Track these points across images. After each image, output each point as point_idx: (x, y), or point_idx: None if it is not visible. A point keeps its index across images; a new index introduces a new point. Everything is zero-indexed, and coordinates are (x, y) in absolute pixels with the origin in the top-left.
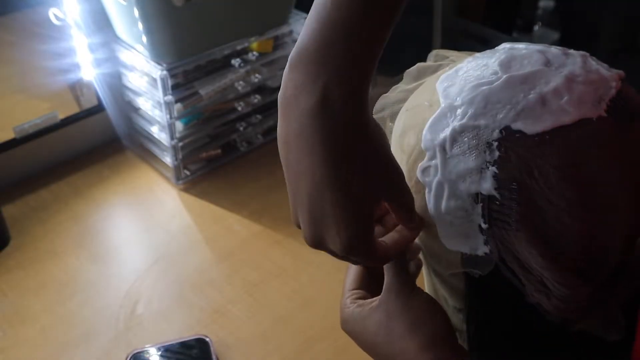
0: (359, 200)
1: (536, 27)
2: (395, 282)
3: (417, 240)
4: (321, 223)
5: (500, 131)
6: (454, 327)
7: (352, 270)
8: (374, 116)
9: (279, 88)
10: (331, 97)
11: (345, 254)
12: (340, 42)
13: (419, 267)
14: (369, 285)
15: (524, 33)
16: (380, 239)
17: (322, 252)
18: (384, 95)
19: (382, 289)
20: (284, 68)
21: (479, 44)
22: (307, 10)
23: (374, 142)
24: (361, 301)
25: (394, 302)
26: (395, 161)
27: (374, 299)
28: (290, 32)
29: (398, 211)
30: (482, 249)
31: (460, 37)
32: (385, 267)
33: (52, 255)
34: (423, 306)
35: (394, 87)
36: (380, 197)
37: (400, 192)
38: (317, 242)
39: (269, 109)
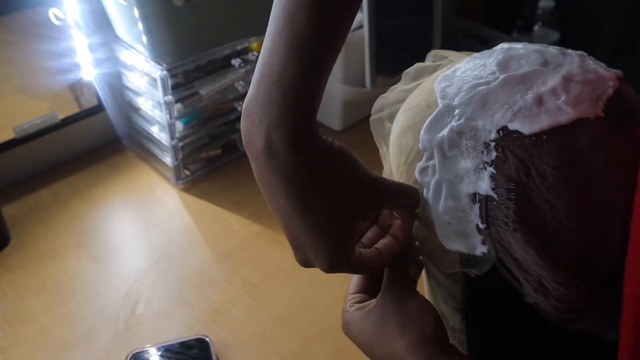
0: (329, 225)
1: (536, 27)
2: (392, 284)
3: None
4: (301, 248)
5: (498, 131)
6: (453, 327)
7: (355, 275)
8: (373, 117)
9: None
10: (275, 142)
11: (331, 272)
12: (277, 89)
13: (419, 270)
14: (371, 288)
15: (524, 33)
16: (374, 247)
17: None
18: (383, 95)
19: None
20: None
21: (479, 44)
22: None
23: (332, 170)
24: (361, 304)
25: (388, 303)
26: (370, 173)
27: (372, 301)
28: None
29: (398, 212)
30: (480, 249)
31: (460, 37)
32: (385, 269)
33: (52, 255)
34: (415, 307)
35: (392, 87)
36: (362, 212)
37: (388, 200)
38: (305, 264)
39: None
